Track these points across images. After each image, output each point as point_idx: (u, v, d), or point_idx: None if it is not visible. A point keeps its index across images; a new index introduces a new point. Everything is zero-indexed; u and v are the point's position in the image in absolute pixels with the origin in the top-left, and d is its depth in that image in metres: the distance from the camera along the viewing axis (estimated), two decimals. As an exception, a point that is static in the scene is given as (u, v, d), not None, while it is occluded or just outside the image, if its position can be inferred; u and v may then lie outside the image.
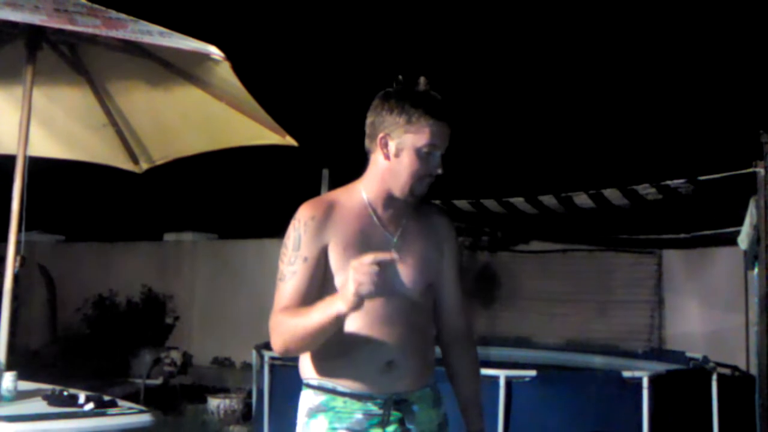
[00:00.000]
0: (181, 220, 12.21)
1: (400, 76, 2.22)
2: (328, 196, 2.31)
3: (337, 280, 2.14)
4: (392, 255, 2.05)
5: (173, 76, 4.16)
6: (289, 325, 2.08)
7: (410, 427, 2.19)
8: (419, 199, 2.25)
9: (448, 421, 2.31)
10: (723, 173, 4.95)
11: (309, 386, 2.22)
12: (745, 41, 11.44)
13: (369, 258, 1.93)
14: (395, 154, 2.18)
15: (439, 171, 2.20)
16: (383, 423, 2.16)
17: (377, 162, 2.22)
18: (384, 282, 1.94)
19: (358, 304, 1.94)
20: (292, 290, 2.13)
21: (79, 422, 3.15)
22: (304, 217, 2.18)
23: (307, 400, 2.22)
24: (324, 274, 2.16)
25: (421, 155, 2.17)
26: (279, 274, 2.17)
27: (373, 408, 2.16)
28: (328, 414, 2.17)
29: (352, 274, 1.92)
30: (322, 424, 2.17)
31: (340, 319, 2.00)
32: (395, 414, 2.18)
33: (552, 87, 12.85)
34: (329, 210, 2.20)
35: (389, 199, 2.23)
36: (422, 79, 2.21)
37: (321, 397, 2.18)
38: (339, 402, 2.17)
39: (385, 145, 2.19)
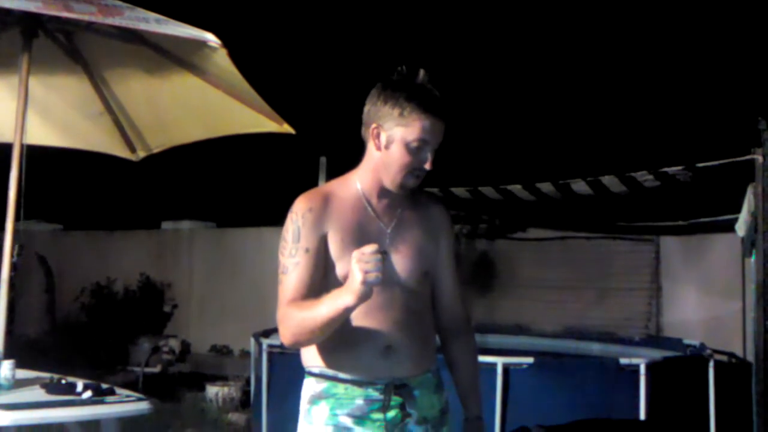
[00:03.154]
0: (178, 208, 12.21)
1: (402, 67, 2.21)
2: (323, 188, 2.31)
3: (337, 269, 2.15)
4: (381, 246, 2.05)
5: (170, 64, 4.15)
6: (297, 318, 2.09)
7: (411, 411, 2.20)
8: (410, 191, 2.25)
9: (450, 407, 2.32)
10: (721, 160, 4.95)
11: (311, 374, 2.23)
12: (743, 28, 11.42)
13: (370, 247, 1.94)
14: (385, 145, 2.18)
15: (428, 167, 2.19)
16: (384, 408, 2.17)
17: (371, 152, 2.23)
18: (385, 270, 1.95)
19: (366, 293, 1.94)
20: (296, 281, 2.14)
21: (78, 410, 3.15)
22: (301, 210, 2.18)
23: (309, 387, 2.23)
24: (326, 263, 2.16)
25: (411, 149, 2.16)
26: (281, 267, 2.17)
27: (374, 393, 2.17)
28: (329, 401, 2.18)
29: (355, 265, 1.93)
30: (323, 411, 2.18)
31: (347, 312, 2.01)
32: (396, 399, 2.18)
33: (550, 74, 12.83)
34: (326, 201, 2.20)
35: (383, 190, 2.23)
36: (422, 72, 2.19)
37: (322, 385, 2.19)
38: (340, 389, 2.17)
39: (377, 136, 2.19)
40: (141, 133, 4.74)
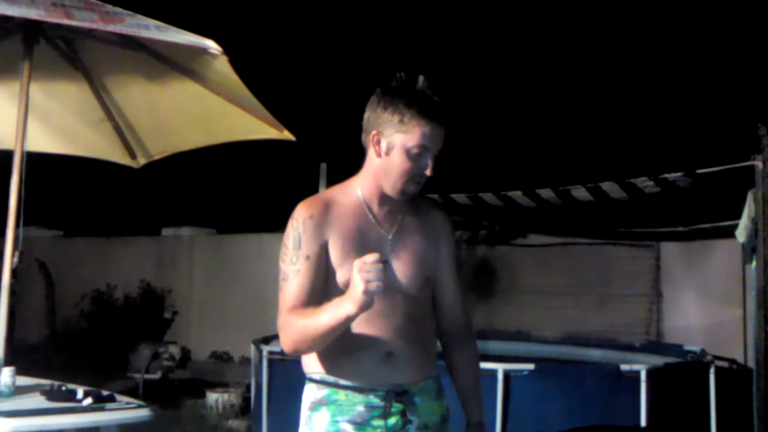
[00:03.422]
0: (179, 214, 12.21)
1: (402, 73, 2.21)
2: (324, 194, 2.31)
3: (338, 276, 2.15)
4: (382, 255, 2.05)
5: (170, 71, 4.15)
6: (298, 326, 2.09)
7: (412, 418, 2.20)
8: (410, 198, 2.25)
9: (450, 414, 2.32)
10: (721, 167, 4.96)
11: (311, 380, 2.23)
12: (743, 34, 11.43)
13: (371, 256, 1.94)
14: (386, 152, 2.18)
15: (428, 173, 2.19)
16: (385, 415, 2.17)
17: (371, 159, 2.23)
18: (386, 277, 1.95)
19: (367, 303, 1.94)
20: (297, 289, 2.14)
21: (78, 417, 3.15)
22: (302, 216, 2.18)
23: (310, 394, 2.22)
24: (327, 270, 2.16)
25: (411, 156, 2.16)
26: (281, 274, 2.17)
27: (375, 400, 2.17)
28: (330, 407, 2.17)
29: (356, 274, 1.93)
30: (324, 418, 2.17)
31: (348, 321, 2.01)
32: (397, 406, 2.18)
33: (551, 80, 12.85)
34: (326, 208, 2.20)
35: (384, 197, 2.23)
36: (421, 78, 2.19)
37: (323, 391, 2.19)
38: (341, 395, 2.17)
39: (378, 143, 2.19)
40: (141, 139, 4.74)
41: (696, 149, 9.07)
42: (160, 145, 4.79)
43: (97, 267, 11.45)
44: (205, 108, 4.32)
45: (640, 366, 4.96)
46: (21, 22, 3.65)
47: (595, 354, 6.99)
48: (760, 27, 10.80)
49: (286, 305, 2.14)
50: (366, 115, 2.21)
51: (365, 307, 1.95)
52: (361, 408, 2.16)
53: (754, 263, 5.00)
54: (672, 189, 5.42)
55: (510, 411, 4.79)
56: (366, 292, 1.92)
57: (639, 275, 8.83)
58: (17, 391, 3.37)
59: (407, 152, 2.16)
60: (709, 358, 5.56)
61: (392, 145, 2.17)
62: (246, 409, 7.18)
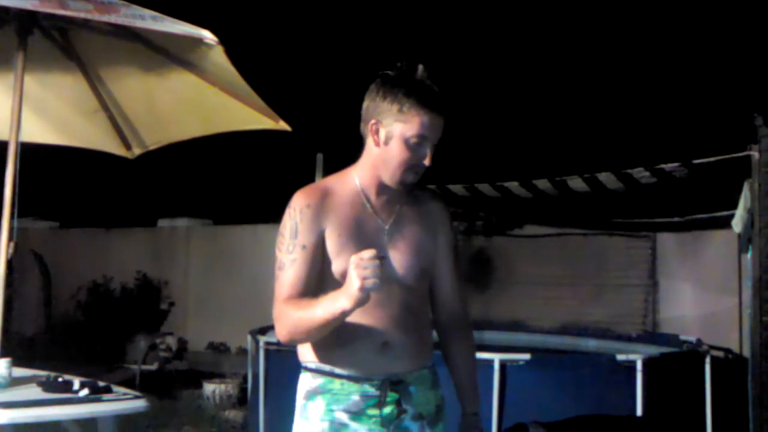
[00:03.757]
0: (175, 206, 12.21)
1: (402, 63, 2.19)
2: (321, 183, 2.30)
3: (335, 266, 2.15)
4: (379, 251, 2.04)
5: (166, 61, 4.13)
6: (293, 317, 2.09)
7: (407, 407, 2.20)
8: (408, 188, 2.24)
9: (445, 404, 2.32)
10: (717, 157, 4.96)
11: (307, 369, 2.23)
12: (739, 24, 11.42)
13: (368, 252, 1.93)
14: (384, 141, 2.17)
15: (427, 163, 2.18)
16: (380, 404, 2.17)
17: (370, 148, 2.22)
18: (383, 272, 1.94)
19: (363, 299, 1.94)
20: (293, 278, 2.13)
21: (74, 408, 3.15)
22: (299, 206, 2.17)
23: (306, 383, 2.23)
24: (323, 260, 2.16)
25: (410, 145, 2.15)
26: (278, 263, 2.17)
27: (370, 389, 2.17)
28: (325, 396, 2.18)
29: (353, 270, 1.92)
30: (319, 406, 2.18)
31: (344, 315, 2.00)
32: (392, 395, 2.18)
33: (547, 71, 12.84)
34: (324, 197, 2.19)
35: (382, 186, 2.23)
36: (420, 68, 2.18)
37: (319, 380, 2.19)
38: (336, 384, 2.17)
39: (376, 132, 2.18)
40: (137, 130, 4.72)
41: (692, 139, 9.08)
42: (155, 136, 4.77)
43: (93, 258, 11.45)
44: (200, 98, 4.30)
45: (636, 356, 4.96)
46: (15, 13, 3.63)
47: (591, 344, 7.00)
48: (756, 17, 10.79)
49: (282, 295, 2.13)
50: (365, 104, 2.21)
51: (361, 303, 1.94)
52: (356, 397, 2.16)
53: (749, 253, 5.02)
54: (668, 179, 5.42)
55: (506, 401, 4.79)
56: (362, 288, 1.91)
57: (635, 265, 8.86)
58: (14, 382, 3.37)
59: (406, 142, 2.15)
60: (704, 347, 5.57)
61: (391, 135, 2.16)
62: (243, 399, 7.19)
